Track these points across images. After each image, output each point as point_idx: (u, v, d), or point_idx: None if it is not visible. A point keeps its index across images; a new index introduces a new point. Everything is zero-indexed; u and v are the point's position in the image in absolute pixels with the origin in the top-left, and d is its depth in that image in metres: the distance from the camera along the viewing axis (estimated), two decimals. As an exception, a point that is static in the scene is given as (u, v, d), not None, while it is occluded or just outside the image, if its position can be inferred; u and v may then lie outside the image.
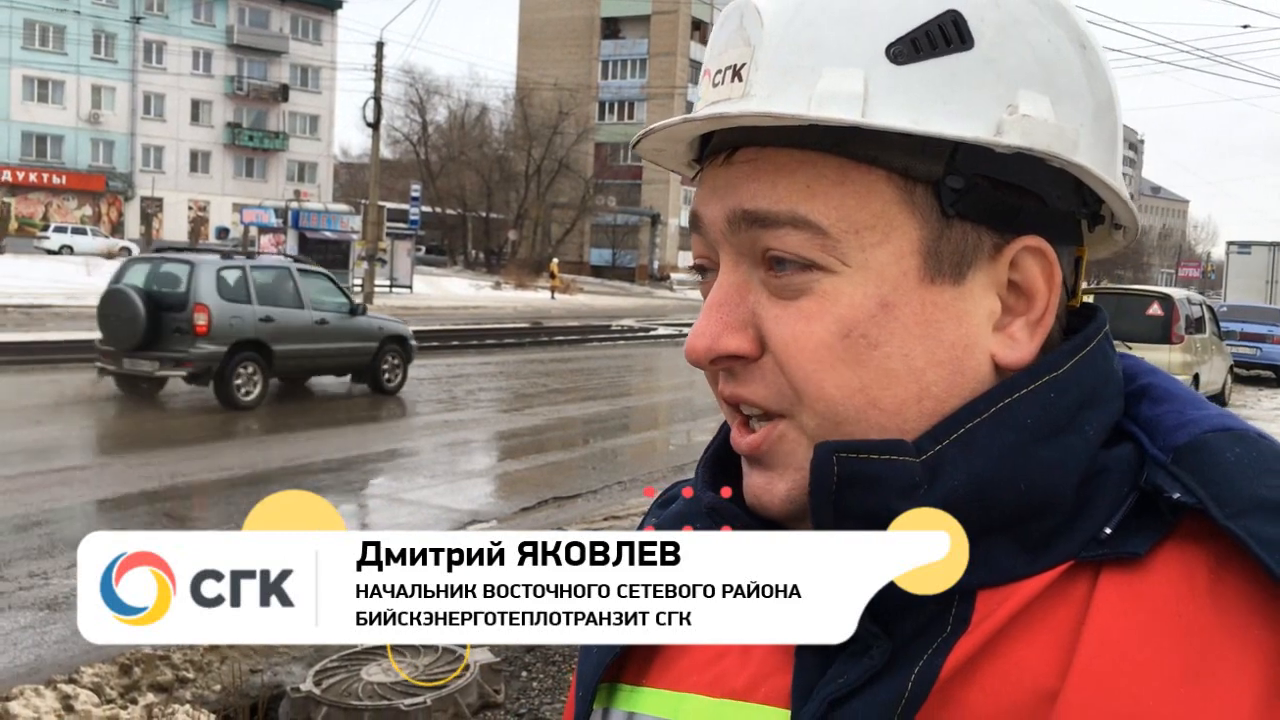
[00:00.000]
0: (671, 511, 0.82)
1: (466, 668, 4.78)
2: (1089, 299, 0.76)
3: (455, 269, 62.74)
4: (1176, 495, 0.63)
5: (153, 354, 13.38)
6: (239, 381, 13.48)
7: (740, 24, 0.68)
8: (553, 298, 45.85)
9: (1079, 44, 0.68)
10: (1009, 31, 0.65)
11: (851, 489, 0.64)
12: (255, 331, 13.74)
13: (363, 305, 16.15)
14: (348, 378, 15.72)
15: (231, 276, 13.86)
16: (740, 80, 0.67)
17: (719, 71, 0.69)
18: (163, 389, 14.37)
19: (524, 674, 5.05)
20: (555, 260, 52.68)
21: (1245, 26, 41.27)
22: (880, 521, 0.62)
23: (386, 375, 15.52)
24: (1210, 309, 17.59)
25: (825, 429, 0.66)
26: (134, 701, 4.61)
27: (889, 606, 0.64)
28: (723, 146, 0.69)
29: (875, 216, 0.65)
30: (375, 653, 5.03)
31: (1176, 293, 16.00)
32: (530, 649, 5.34)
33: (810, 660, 0.67)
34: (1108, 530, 0.64)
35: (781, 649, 0.69)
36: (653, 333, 30.98)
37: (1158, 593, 0.62)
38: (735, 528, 0.70)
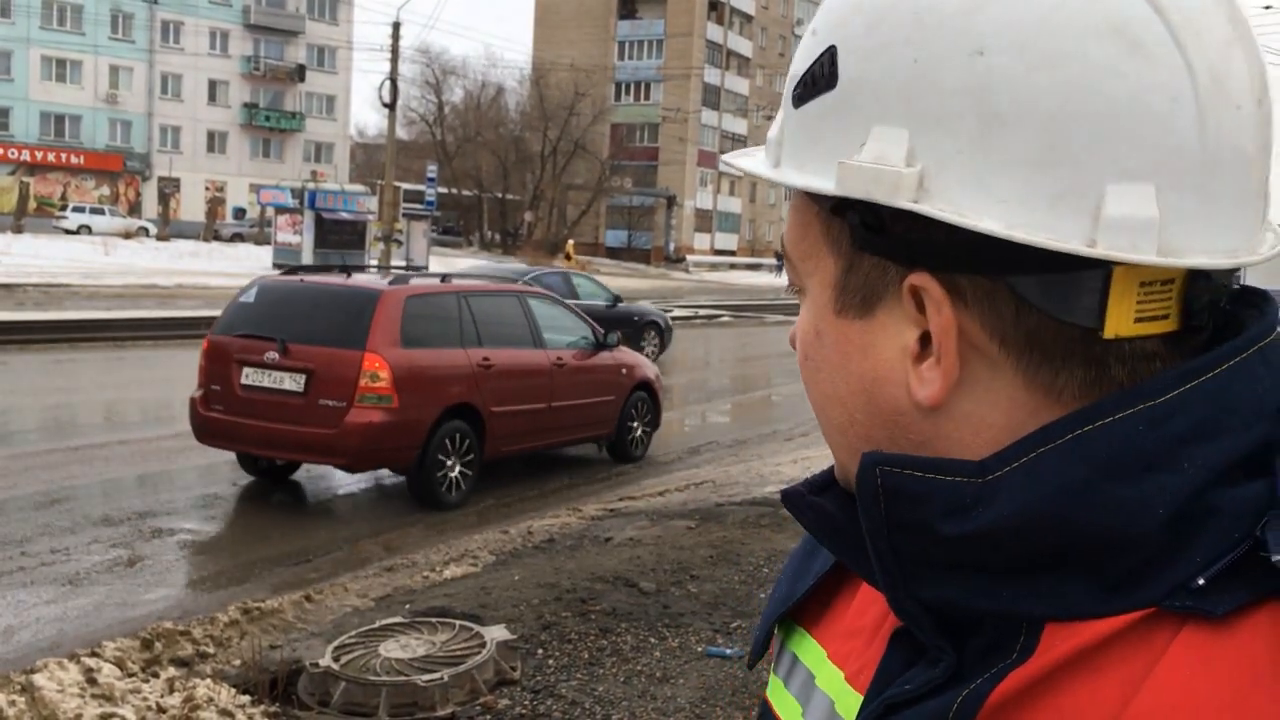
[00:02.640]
0: None
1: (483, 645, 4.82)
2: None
3: (471, 250, 62.73)
4: (1276, 559, 0.55)
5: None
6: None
7: None
8: (568, 279, 45.76)
9: (975, 50, 0.58)
10: (871, 60, 0.61)
11: (898, 502, 0.62)
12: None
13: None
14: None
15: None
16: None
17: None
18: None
19: (540, 651, 5.08)
20: (571, 241, 52.65)
21: (1268, 8, 40.77)
22: (926, 538, 0.61)
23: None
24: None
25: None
26: (155, 675, 4.67)
27: (963, 622, 0.63)
28: None
29: (811, 247, 0.68)
30: (393, 629, 5.08)
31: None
32: (546, 627, 5.38)
33: (896, 658, 0.67)
34: (1200, 581, 0.57)
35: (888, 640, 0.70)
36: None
37: (1236, 661, 0.55)
38: (805, 522, 0.72)
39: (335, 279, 9.37)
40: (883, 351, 0.64)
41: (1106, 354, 0.60)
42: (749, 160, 0.72)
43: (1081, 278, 0.59)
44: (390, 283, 9.04)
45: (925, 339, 0.62)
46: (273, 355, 8.43)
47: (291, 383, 8.41)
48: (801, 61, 0.66)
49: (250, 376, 8.55)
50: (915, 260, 0.62)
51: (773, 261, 69.35)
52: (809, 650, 0.80)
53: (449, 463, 8.76)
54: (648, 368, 11.43)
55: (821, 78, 0.64)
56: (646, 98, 76.99)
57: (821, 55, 0.64)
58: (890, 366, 0.64)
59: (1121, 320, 0.59)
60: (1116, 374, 0.60)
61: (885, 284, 0.64)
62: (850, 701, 0.72)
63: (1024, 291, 0.60)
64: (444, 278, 9.96)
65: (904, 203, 0.60)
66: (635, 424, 11.04)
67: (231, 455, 9.32)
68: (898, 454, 0.63)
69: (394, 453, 8.49)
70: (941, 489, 0.60)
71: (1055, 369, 0.61)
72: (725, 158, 0.76)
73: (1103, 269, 0.58)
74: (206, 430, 8.83)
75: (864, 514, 0.63)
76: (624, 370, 10.90)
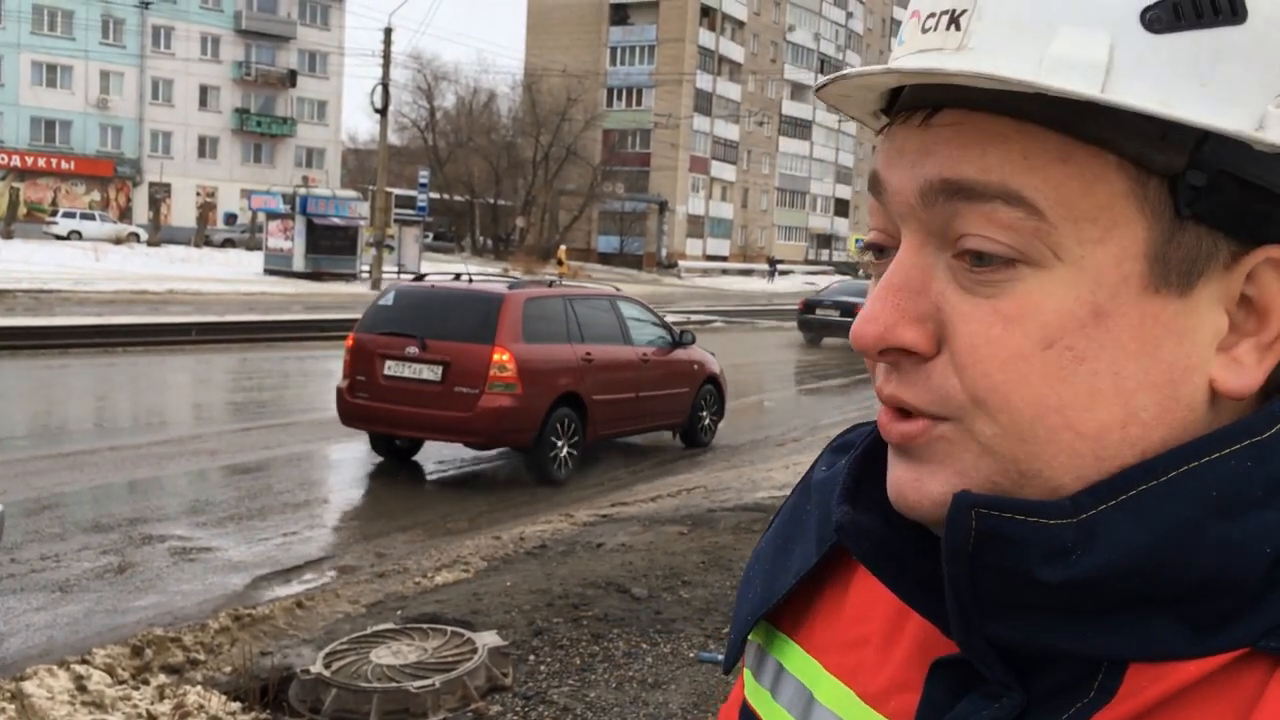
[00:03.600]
0: (840, 468, 0.74)
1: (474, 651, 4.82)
2: None
3: (463, 255, 62.70)
4: None
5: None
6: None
7: None
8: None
9: None
10: None
11: (990, 547, 0.56)
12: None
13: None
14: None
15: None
16: (958, 29, 0.57)
17: (931, 15, 0.59)
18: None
19: (531, 658, 5.08)
20: (563, 247, 52.65)
21: None
22: (1019, 582, 0.56)
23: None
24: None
25: (1004, 442, 0.58)
26: (145, 682, 4.65)
27: (1028, 657, 0.59)
28: (921, 103, 0.60)
29: (1098, 208, 0.55)
30: (384, 636, 5.07)
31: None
32: (538, 633, 5.37)
33: (942, 687, 0.62)
34: None
35: (919, 662, 0.65)
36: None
37: None
38: (861, 553, 0.65)
39: (461, 284, 10.66)
40: (1198, 335, 0.57)
41: None
42: (1064, 78, 0.54)
43: None
44: (510, 287, 10.51)
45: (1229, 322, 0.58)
46: (413, 350, 9.83)
47: (430, 373, 9.81)
48: None
49: (392, 368, 9.92)
50: (1261, 235, 0.56)
51: (764, 267, 69.40)
52: (796, 659, 0.75)
53: (559, 444, 10.11)
54: (714, 363, 12.59)
55: (1219, 8, 0.54)
56: (638, 103, 77.10)
57: None
58: (1202, 354, 0.57)
59: None
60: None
61: (1212, 258, 0.56)
62: None
63: None
64: (550, 283, 11.61)
65: None
66: (704, 413, 12.42)
67: (222, 461, 9.31)
68: (991, 495, 0.57)
69: (516, 434, 9.83)
70: (1038, 532, 0.56)
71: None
72: (965, 68, 0.55)
73: None
74: (353, 415, 10.22)
75: (949, 558, 0.57)
76: (696, 365, 12.21)
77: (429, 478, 10.46)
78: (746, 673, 0.81)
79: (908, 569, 0.63)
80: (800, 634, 0.76)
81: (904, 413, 0.61)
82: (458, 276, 11.22)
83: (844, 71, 0.62)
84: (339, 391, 10.34)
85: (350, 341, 10.33)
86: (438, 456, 11.20)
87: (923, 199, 0.59)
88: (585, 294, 11.65)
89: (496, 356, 9.63)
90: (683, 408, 11.99)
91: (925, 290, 0.59)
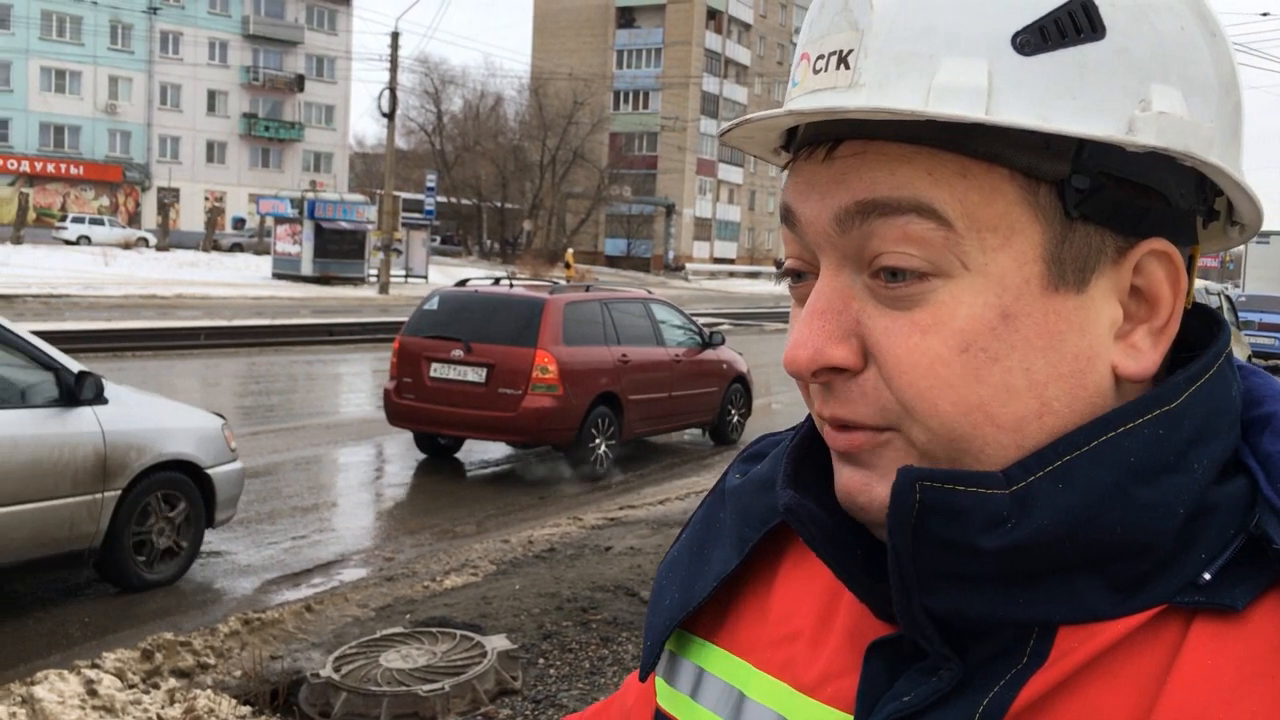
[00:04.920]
0: (755, 474, 0.79)
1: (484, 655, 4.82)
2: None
3: (470, 259, 62.79)
4: None
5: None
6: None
7: (845, 5, 0.63)
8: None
9: (1210, 31, 0.63)
10: (1142, 19, 0.60)
11: (933, 518, 0.60)
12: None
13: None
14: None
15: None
16: (847, 68, 0.62)
17: (821, 56, 0.64)
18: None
19: (541, 661, 5.08)
20: (570, 250, 52.69)
21: (1265, 14, 40.87)
22: (959, 552, 0.60)
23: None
24: (1228, 299, 17.54)
25: (937, 444, 0.62)
26: (156, 686, 4.66)
27: (963, 629, 0.62)
28: (821, 138, 0.64)
29: (998, 216, 0.60)
30: (394, 639, 5.07)
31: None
32: (547, 637, 5.37)
33: (878, 668, 0.65)
34: (1207, 576, 0.59)
35: (852, 648, 0.68)
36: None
37: (1252, 649, 0.57)
38: (807, 534, 0.68)
39: (502, 289, 11.10)
40: (1097, 326, 0.62)
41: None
42: (951, 105, 0.59)
43: (1187, 251, 0.65)
44: (551, 292, 10.79)
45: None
46: (458, 352, 10.24)
47: (474, 375, 10.20)
48: (1025, 9, 0.59)
49: (438, 370, 10.33)
50: (1142, 229, 0.62)
51: (772, 270, 69.34)
52: (719, 661, 0.76)
53: (597, 441, 10.54)
54: (742, 363, 12.88)
55: (1080, 26, 0.59)
56: (645, 106, 77.13)
57: (1071, 3, 0.59)
58: (1103, 343, 0.62)
59: (1190, 294, 0.67)
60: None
61: (1101, 254, 0.61)
62: (808, 712, 0.69)
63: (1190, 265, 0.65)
64: (588, 287, 11.97)
65: (1215, 159, 0.61)
66: (733, 411, 12.71)
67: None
68: (933, 468, 0.61)
69: (558, 432, 10.21)
70: (978, 502, 0.59)
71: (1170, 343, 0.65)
72: (858, 104, 0.60)
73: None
74: (399, 415, 10.59)
75: (894, 530, 0.61)
76: (724, 365, 12.54)
77: (437, 482, 10.47)
78: (658, 681, 0.81)
79: (847, 551, 0.66)
80: (721, 637, 0.77)
81: (845, 427, 0.65)
82: (497, 281, 11.63)
83: (747, 116, 0.66)
84: (386, 392, 10.69)
85: (397, 344, 10.67)
86: (447, 461, 11.21)
87: (839, 225, 0.63)
88: (621, 297, 11.99)
89: (539, 359, 10.00)
90: (713, 406, 12.31)
91: (847, 310, 0.63)
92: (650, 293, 13.01)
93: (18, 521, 5.78)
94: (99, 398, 6.23)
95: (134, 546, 6.47)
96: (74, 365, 6.22)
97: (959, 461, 0.62)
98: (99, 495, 6.17)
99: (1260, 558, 0.59)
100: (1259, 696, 0.56)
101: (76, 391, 6.09)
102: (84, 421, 6.13)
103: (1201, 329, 0.68)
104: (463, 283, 11.69)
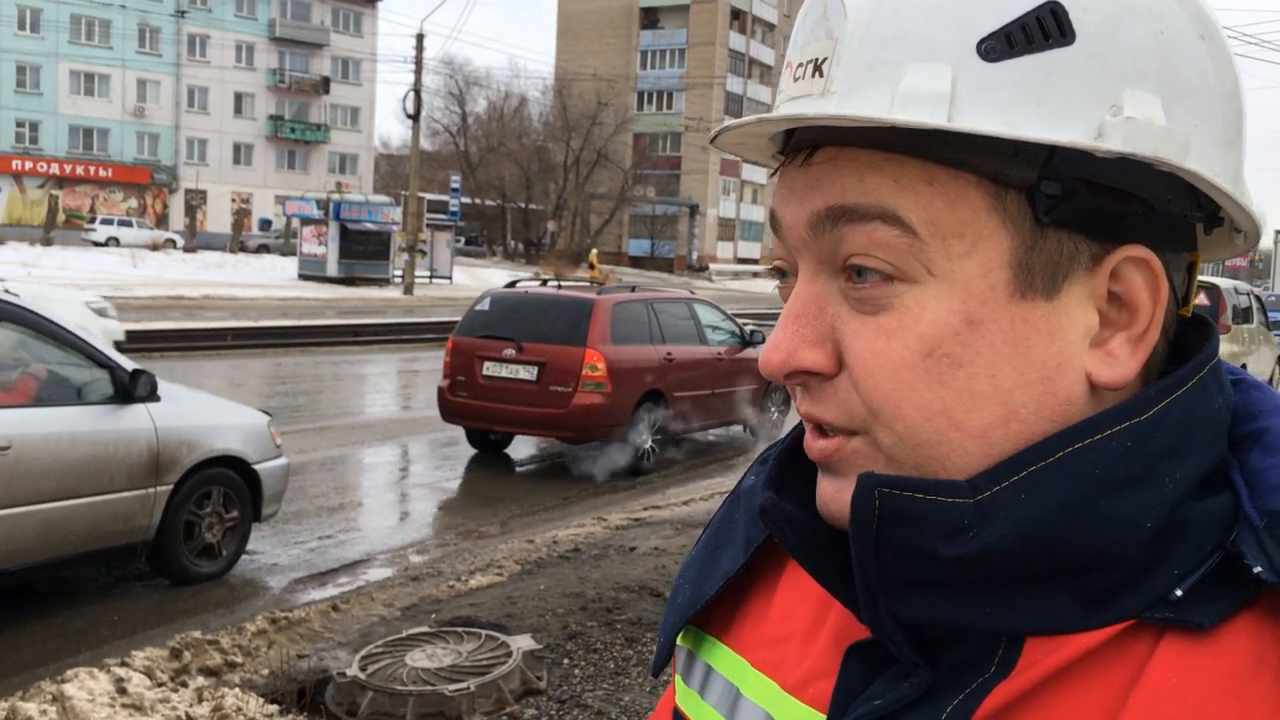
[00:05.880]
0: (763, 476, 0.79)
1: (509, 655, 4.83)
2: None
3: (494, 260, 62.96)
4: (1258, 570, 0.56)
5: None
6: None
7: (824, 14, 0.63)
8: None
9: (1200, 35, 0.62)
10: (1117, 23, 0.59)
11: (893, 525, 0.60)
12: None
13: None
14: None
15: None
16: (820, 76, 0.62)
17: (800, 65, 0.64)
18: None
19: (565, 661, 5.08)
20: (594, 251, 52.72)
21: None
22: (921, 559, 0.60)
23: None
24: (1258, 299, 17.32)
25: (903, 449, 0.62)
26: (184, 685, 4.70)
27: (934, 636, 0.62)
28: (803, 144, 0.65)
29: (963, 224, 0.60)
30: (419, 639, 5.09)
31: (1223, 282, 15.79)
32: (572, 637, 5.38)
33: (855, 671, 0.66)
34: (1178, 592, 0.58)
35: (836, 650, 0.68)
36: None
37: (1219, 668, 0.56)
38: (782, 536, 0.68)
39: (551, 290, 11.46)
40: (1068, 334, 0.61)
41: (1163, 338, 0.65)
42: (913, 111, 0.59)
43: (1182, 258, 0.65)
44: (599, 293, 11.12)
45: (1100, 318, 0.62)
46: (510, 351, 10.56)
47: (526, 373, 10.51)
48: (992, 14, 0.59)
49: (490, 369, 10.64)
50: (1119, 235, 0.61)
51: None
52: (724, 659, 0.78)
53: (644, 437, 10.83)
54: None
55: (1048, 32, 0.58)
56: (669, 107, 77.10)
57: (1039, 8, 0.58)
58: (1075, 350, 0.61)
59: (1190, 300, 0.67)
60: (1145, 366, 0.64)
61: (1074, 260, 0.61)
62: (791, 711, 0.70)
63: (1174, 269, 0.64)
64: (633, 288, 12.14)
65: (1193, 165, 0.60)
66: (773, 408, 12.93)
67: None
68: (894, 475, 0.61)
69: (607, 428, 10.55)
70: (939, 510, 0.59)
71: (1153, 351, 0.64)
72: (823, 110, 0.61)
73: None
74: (453, 412, 10.92)
75: (855, 536, 0.61)
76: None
77: (462, 482, 10.50)
78: (677, 679, 0.83)
79: (826, 555, 0.67)
80: (728, 635, 0.79)
81: (822, 431, 0.66)
82: (545, 282, 12.02)
83: (725, 124, 0.68)
84: (440, 390, 10.98)
85: (450, 344, 11.04)
86: (475, 462, 11.24)
87: (812, 229, 0.63)
88: (665, 297, 12.31)
89: (589, 358, 10.32)
90: (754, 403, 12.55)
91: (821, 314, 0.64)
92: (692, 293, 13.21)
93: (76, 515, 5.95)
94: (152, 395, 6.37)
95: (185, 540, 6.62)
96: (128, 364, 6.34)
97: (925, 468, 0.62)
98: (152, 490, 6.33)
99: (1235, 576, 0.58)
100: (1223, 717, 0.55)
101: (131, 389, 6.23)
102: (138, 418, 6.27)
103: (1199, 340, 0.66)
104: (512, 284, 12.00)
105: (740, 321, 13.09)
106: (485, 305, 11.21)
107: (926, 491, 0.60)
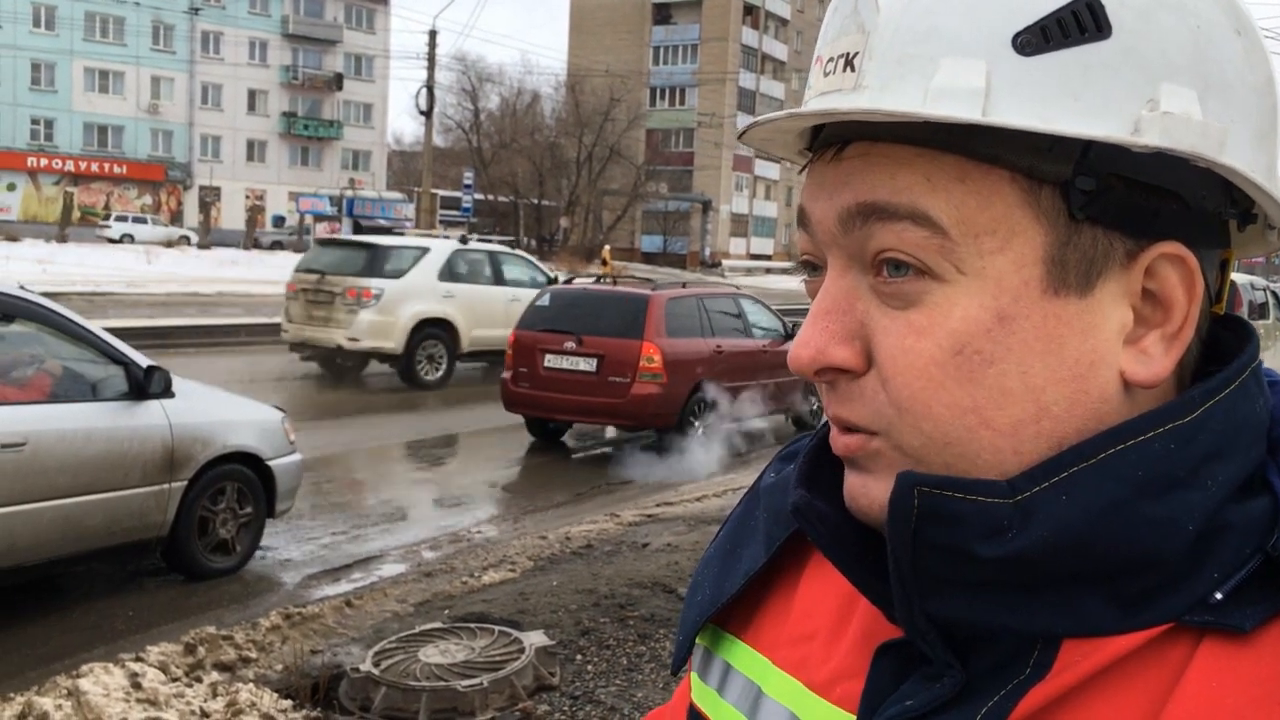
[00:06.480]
0: (788, 473, 0.78)
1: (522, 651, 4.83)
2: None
3: (507, 256, 62.85)
4: None
5: None
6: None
7: (855, 8, 0.63)
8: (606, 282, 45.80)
9: (1235, 29, 0.62)
10: (1153, 18, 0.59)
11: (931, 525, 0.59)
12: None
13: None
14: None
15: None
16: (852, 70, 0.62)
17: (830, 60, 0.64)
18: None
19: (579, 657, 5.08)
20: (607, 247, 52.68)
21: (1313, 5, 40.14)
22: (958, 559, 0.59)
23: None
24: (1275, 294, 17.22)
25: (931, 448, 0.62)
26: (199, 680, 4.71)
27: (967, 636, 0.61)
28: (833, 140, 0.64)
29: (996, 220, 0.59)
30: (432, 635, 5.10)
31: (1239, 278, 15.72)
32: (585, 633, 5.38)
33: (885, 671, 0.65)
34: (1218, 596, 0.58)
35: (863, 649, 0.68)
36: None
37: (1259, 672, 0.56)
38: (815, 534, 0.68)
39: (606, 287, 12.30)
40: (1102, 331, 0.60)
41: (1196, 336, 0.64)
42: (947, 106, 0.58)
43: (1216, 255, 0.65)
44: (654, 289, 11.80)
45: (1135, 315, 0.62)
46: (571, 344, 11.06)
47: (585, 365, 11.03)
48: (1028, 8, 0.58)
49: (551, 361, 11.17)
50: (1154, 231, 0.60)
51: (809, 265, 68.91)
52: (744, 657, 0.77)
53: (696, 425, 11.38)
54: None
55: (1084, 26, 0.58)
56: (682, 103, 77.06)
57: (1075, 2, 0.58)
58: (1109, 348, 0.61)
59: (1223, 298, 0.66)
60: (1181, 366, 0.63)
61: (1109, 257, 0.60)
62: (818, 711, 0.69)
63: (1208, 267, 0.63)
64: (684, 284, 12.87)
65: (1229, 160, 0.59)
66: (814, 399, 13.06)
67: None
68: (933, 474, 0.61)
69: (662, 417, 11.10)
70: (978, 510, 0.59)
71: (1187, 349, 0.63)
72: (856, 105, 0.61)
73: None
74: (517, 402, 11.45)
75: (893, 535, 0.60)
76: None
77: (477, 478, 10.51)
78: (693, 676, 0.83)
79: (857, 553, 0.66)
80: (749, 633, 0.78)
81: (848, 428, 0.65)
82: (598, 280, 12.51)
83: (755, 120, 0.67)
84: (503, 382, 11.52)
85: (513, 338, 11.55)
86: (489, 458, 11.25)
87: (842, 225, 0.63)
88: (714, 293, 12.86)
89: (645, 350, 10.85)
90: (796, 394, 13.04)
91: (851, 310, 0.63)
92: (738, 288, 13.78)
93: (92, 510, 5.99)
94: (167, 391, 6.40)
95: (199, 535, 6.66)
96: (143, 360, 6.37)
97: (954, 467, 0.61)
98: (166, 486, 6.36)
99: (1276, 580, 0.58)
100: (1263, 718, 0.54)
101: (146, 385, 6.26)
102: (152, 414, 6.30)
103: (1235, 340, 0.66)
104: (569, 281, 12.46)
105: (784, 317, 13.44)
106: (545, 301, 11.70)
107: (966, 491, 0.59)
